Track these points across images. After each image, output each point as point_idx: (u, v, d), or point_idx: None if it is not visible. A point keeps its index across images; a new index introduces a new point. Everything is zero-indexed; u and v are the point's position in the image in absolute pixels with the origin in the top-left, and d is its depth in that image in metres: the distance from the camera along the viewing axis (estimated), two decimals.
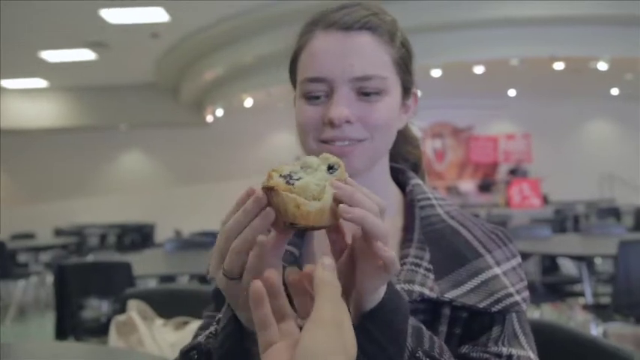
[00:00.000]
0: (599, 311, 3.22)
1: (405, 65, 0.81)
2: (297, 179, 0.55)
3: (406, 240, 0.80)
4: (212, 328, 0.72)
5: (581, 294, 3.74)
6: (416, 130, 0.96)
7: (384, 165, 0.84)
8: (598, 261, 4.32)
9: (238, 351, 0.63)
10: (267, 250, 0.56)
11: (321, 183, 0.55)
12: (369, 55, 0.76)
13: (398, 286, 0.72)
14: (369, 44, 0.76)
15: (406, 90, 0.82)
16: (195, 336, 0.88)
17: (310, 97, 0.77)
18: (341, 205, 0.54)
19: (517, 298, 0.75)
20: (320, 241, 0.84)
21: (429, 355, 0.64)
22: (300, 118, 0.78)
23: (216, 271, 0.59)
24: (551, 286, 4.02)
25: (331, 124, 0.74)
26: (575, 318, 4.26)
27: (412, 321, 0.66)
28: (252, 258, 0.56)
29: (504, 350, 0.73)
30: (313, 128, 0.77)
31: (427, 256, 0.77)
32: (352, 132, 0.75)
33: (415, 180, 0.88)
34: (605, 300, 3.64)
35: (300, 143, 0.79)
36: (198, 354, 0.70)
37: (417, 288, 0.73)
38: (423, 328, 0.68)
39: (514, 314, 0.76)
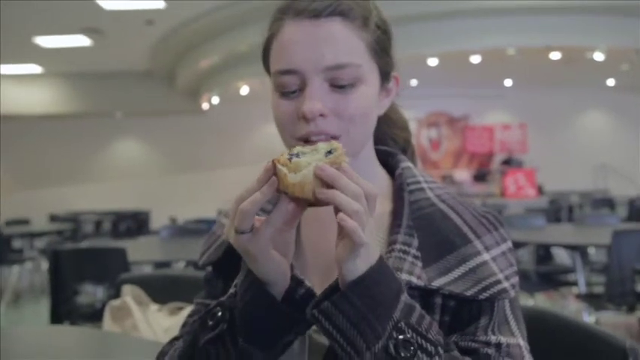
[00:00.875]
0: (592, 300, 3.24)
1: (381, 49, 0.78)
2: (299, 158, 0.64)
3: (395, 225, 0.79)
4: (232, 290, 0.74)
5: (575, 283, 3.76)
6: (406, 114, 0.95)
7: (368, 151, 0.83)
8: (591, 251, 4.35)
9: (262, 295, 0.68)
10: (283, 213, 0.64)
11: (313, 163, 0.63)
12: (340, 42, 0.73)
13: None
14: (341, 31, 0.73)
15: (385, 74, 0.80)
16: (184, 324, 0.89)
17: (284, 91, 0.75)
18: (319, 189, 0.61)
19: (505, 284, 0.74)
20: (307, 230, 0.85)
21: (413, 328, 0.64)
22: (275, 113, 0.77)
23: (230, 230, 0.66)
24: (545, 275, 4.05)
25: (305, 118, 0.73)
26: (569, 307, 4.31)
27: (407, 299, 0.66)
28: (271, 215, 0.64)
29: (493, 338, 0.73)
30: (289, 123, 0.75)
31: (415, 242, 0.76)
32: (327, 126, 0.73)
33: (405, 163, 0.87)
34: (599, 289, 3.67)
35: (280, 136, 0.78)
36: (222, 310, 0.72)
37: (404, 276, 0.72)
38: (417, 306, 0.67)
39: (506, 300, 0.75)
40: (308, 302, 0.67)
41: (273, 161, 0.63)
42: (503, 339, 0.73)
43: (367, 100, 0.75)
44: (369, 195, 0.62)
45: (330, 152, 0.64)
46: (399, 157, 0.88)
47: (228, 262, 0.85)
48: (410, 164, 0.87)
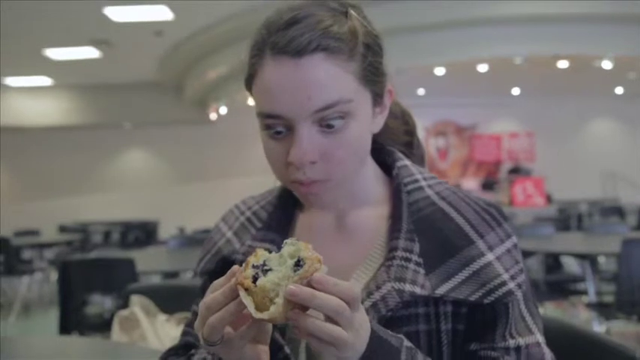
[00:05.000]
0: (602, 309, 3.22)
1: (372, 73, 0.73)
2: (268, 270, 0.59)
3: (394, 230, 0.76)
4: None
5: (585, 292, 3.74)
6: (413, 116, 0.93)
7: (365, 170, 0.81)
8: (601, 259, 4.32)
9: None
10: (255, 330, 0.62)
11: (282, 283, 0.58)
12: (327, 82, 0.68)
13: (388, 284, 0.71)
14: (326, 70, 0.68)
15: (379, 95, 0.76)
16: (183, 334, 0.90)
17: (271, 132, 0.72)
18: (291, 313, 0.57)
19: (511, 285, 0.72)
20: (300, 236, 0.83)
21: None
22: (266, 153, 0.74)
23: (199, 331, 0.63)
24: (555, 284, 4.02)
25: (294, 165, 0.71)
26: (578, 316, 4.27)
27: (407, 355, 0.65)
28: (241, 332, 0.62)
29: (512, 343, 0.72)
30: (280, 167, 0.73)
31: (417, 247, 0.74)
32: (315, 174, 0.71)
33: (402, 162, 0.84)
34: (609, 298, 3.64)
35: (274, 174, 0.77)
36: None
37: (407, 287, 0.71)
38: (419, 356, 0.67)
39: (519, 296, 0.74)
40: None
41: (237, 284, 0.59)
42: (521, 341, 0.73)
43: (358, 137, 0.72)
44: (352, 299, 0.58)
45: (299, 263, 0.59)
46: (396, 156, 0.85)
47: (222, 272, 0.85)
48: (407, 162, 0.84)
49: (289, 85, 0.68)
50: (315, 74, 0.68)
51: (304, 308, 0.58)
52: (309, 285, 0.57)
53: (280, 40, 0.69)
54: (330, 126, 0.69)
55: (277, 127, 0.71)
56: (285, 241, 0.61)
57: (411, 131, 0.92)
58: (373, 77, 0.73)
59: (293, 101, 0.68)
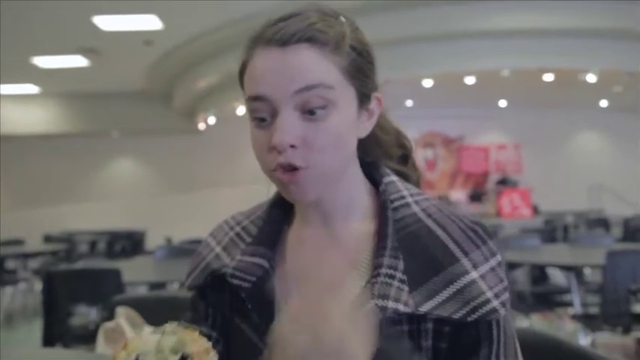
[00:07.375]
0: (588, 321, 3.24)
1: (358, 71, 0.75)
2: None
3: (379, 247, 0.77)
4: None
5: (570, 304, 3.75)
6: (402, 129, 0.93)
7: (351, 177, 0.82)
8: (587, 271, 4.35)
9: None
10: None
11: None
12: (309, 66, 0.71)
13: (372, 302, 0.71)
14: (309, 56, 0.72)
15: (364, 95, 0.77)
16: None
17: (256, 119, 0.74)
18: None
19: (495, 303, 0.72)
20: (291, 252, 0.84)
21: None
22: (252, 144, 0.76)
23: None
24: (541, 295, 4.04)
25: (275, 150, 0.72)
26: (564, 328, 4.29)
27: None
28: None
29: None
30: (263, 155, 0.75)
31: (401, 265, 0.74)
32: (294, 158, 0.72)
33: (389, 177, 0.84)
34: (594, 310, 3.66)
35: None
36: None
37: (390, 304, 0.71)
38: None
39: (502, 319, 0.74)
40: None
41: None
42: None
43: (339, 128, 0.73)
44: None
45: (185, 359, 0.50)
46: (382, 171, 0.85)
47: (211, 287, 0.86)
48: (394, 178, 0.84)
49: (274, 68, 0.72)
50: (298, 58, 0.72)
51: None
52: None
53: (270, 33, 0.74)
54: (311, 112, 0.71)
55: (262, 113, 0.73)
56: (164, 328, 0.53)
57: (406, 155, 0.92)
58: (358, 75, 0.75)
59: (276, 83, 0.71)
